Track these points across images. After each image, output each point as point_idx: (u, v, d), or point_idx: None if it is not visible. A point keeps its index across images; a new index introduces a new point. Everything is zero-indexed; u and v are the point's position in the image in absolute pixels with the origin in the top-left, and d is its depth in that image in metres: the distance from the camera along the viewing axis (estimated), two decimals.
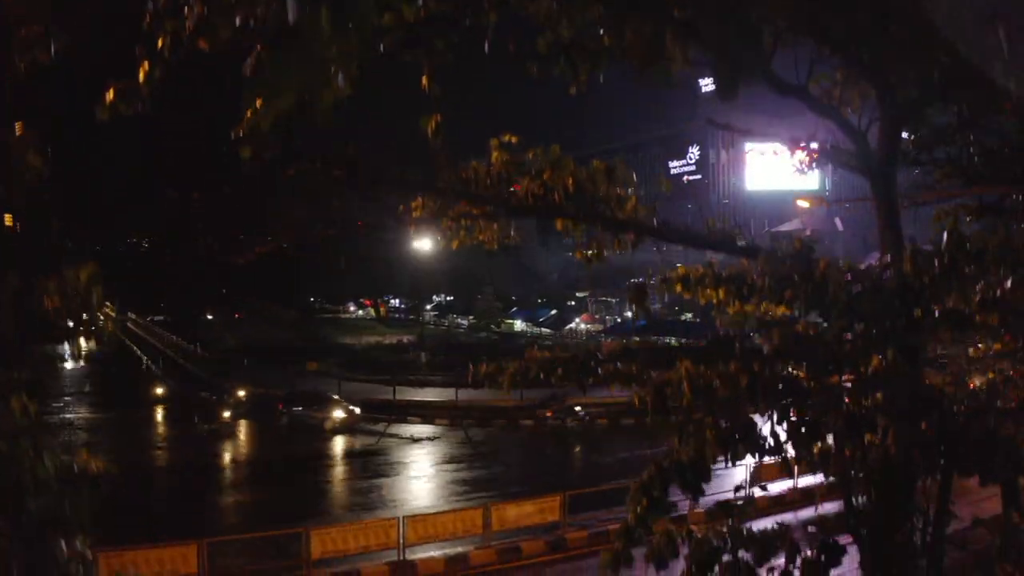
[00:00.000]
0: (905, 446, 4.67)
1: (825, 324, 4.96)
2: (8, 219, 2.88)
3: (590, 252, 5.86)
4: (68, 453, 2.99)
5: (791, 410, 4.73)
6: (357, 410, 32.41)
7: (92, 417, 35.56)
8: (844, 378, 4.94)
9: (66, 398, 40.75)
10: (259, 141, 4.43)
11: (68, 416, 35.05)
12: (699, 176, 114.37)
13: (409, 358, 50.14)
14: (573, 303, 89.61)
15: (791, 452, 4.97)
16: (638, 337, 39.60)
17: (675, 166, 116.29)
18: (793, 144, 6.49)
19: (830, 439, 4.95)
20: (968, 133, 9.19)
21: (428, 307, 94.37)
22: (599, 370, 5.98)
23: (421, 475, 25.19)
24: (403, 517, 16.00)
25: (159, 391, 39.47)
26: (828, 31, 5.17)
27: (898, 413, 4.71)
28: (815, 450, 4.98)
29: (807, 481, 19.12)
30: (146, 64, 3.75)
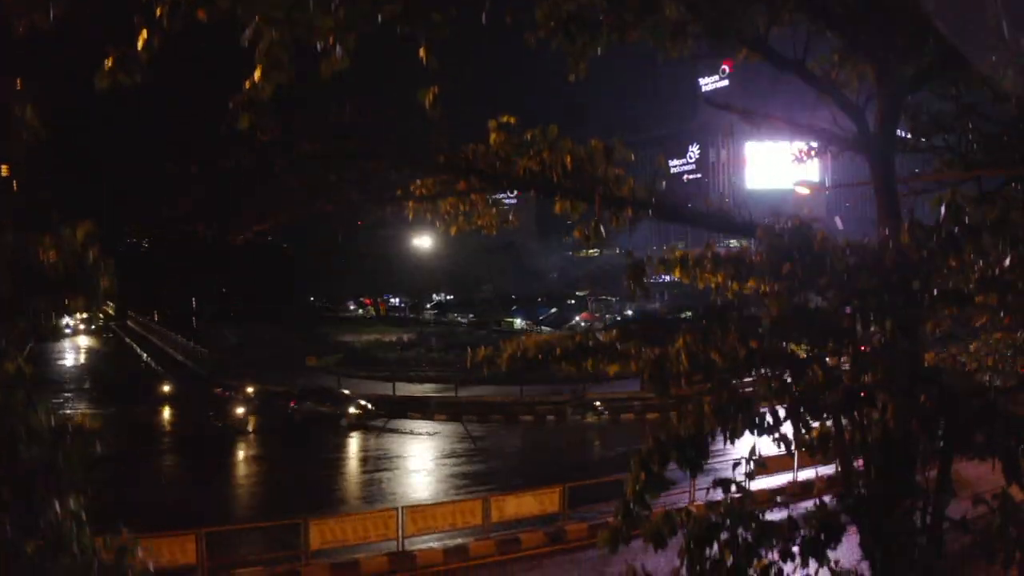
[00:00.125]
0: (904, 419, 4.66)
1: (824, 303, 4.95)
2: (5, 169, 2.89)
3: (591, 225, 5.84)
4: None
5: (790, 386, 4.73)
6: (371, 406, 32.29)
7: (94, 413, 35.50)
8: (843, 360, 4.94)
9: (65, 394, 40.71)
10: (258, 111, 4.44)
11: (69, 412, 35.01)
12: (699, 175, 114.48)
13: (409, 355, 50.15)
14: (573, 302, 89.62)
15: (790, 431, 4.96)
16: None
17: (675, 165, 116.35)
18: (792, 126, 6.48)
19: (829, 424, 4.95)
20: (967, 120, 9.18)
21: (428, 305, 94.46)
22: (597, 352, 5.99)
23: (420, 469, 25.22)
24: (402, 508, 16.02)
25: (165, 388, 39.33)
26: (824, 7, 5.17)
27: (897, 388, 4.70)
28: (814, 433, 4.98)
29: (807, 475, 19.15)
30: (144, 32, 3.75)
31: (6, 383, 2.58)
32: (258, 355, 49.72)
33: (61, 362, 55.45)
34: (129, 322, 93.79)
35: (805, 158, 7.75)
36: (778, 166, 77.70)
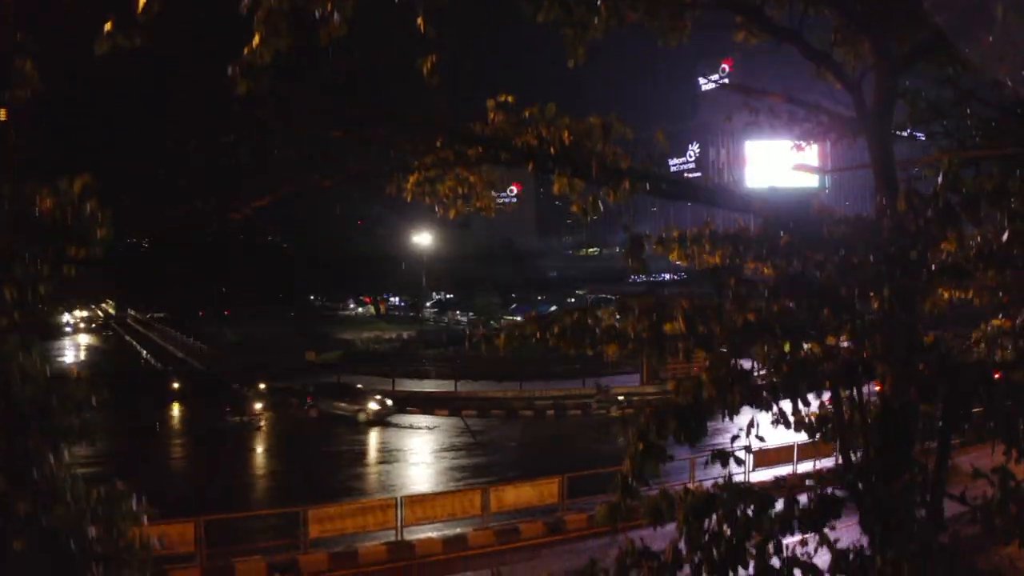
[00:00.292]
0: (903, 389, 4.65)
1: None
2: (3, 114, 2.89)
3: (589, 199, 5.84)
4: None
5: (787, 356, 4.72)
6: (390, 401, 32.22)
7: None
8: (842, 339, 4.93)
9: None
10: (256, 77, 4.45)
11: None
12: (699, 174, 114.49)
13: (409, 351, 50.20)
14: (572, 300, 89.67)
15: (788, 409, 4.95)
16: None
17: (675, 164, 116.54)
18: (791, 103, 6.48)
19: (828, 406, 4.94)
20: (965, 107, 9.19)
21: (428, 304, 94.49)
22: (596, 330, 5.98)
23: (420, 462, 25.22)
24: (401, 497, 16.02)
25: (176, 384, 39.27)
26: None
27: (896, 358, 4.70)
28: (812, 415, 4.97)
29: (806, 468, 19.15)
30: None
31: (1, 327, 2.58)
32: (258, 353, 49.77)
33: (61, 359, 55.44)
34: (129, 320, 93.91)
35: (805, 145, 7.76)
36: (778, 165, 77.69)
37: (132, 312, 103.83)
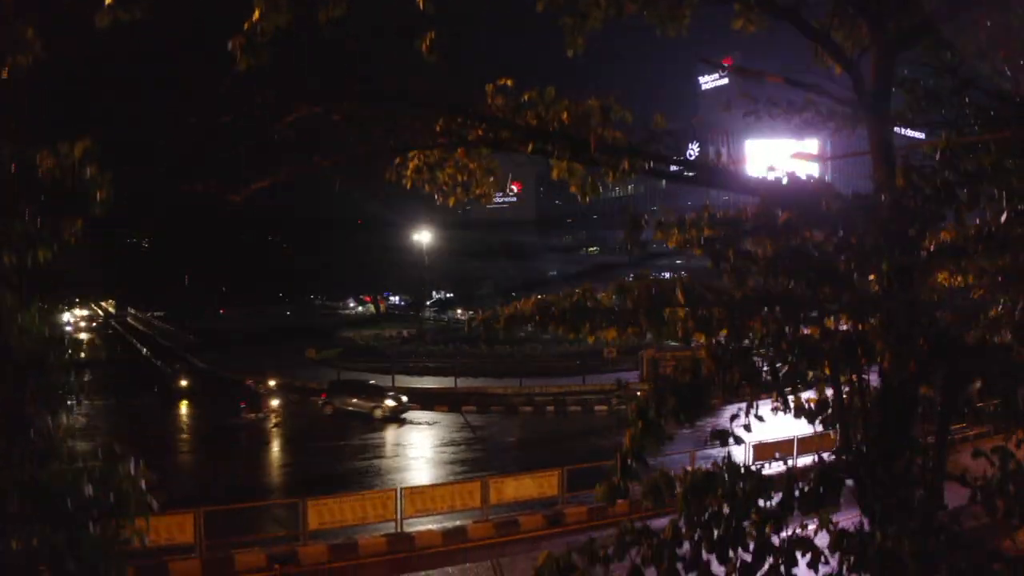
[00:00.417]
0: (902, 364, 4.66)
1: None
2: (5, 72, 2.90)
3: (587, 180, 5.84)
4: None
5: (786, 333, 4.72)
6: (405, 398, 32.27)
7: (110, 405, 35.25)
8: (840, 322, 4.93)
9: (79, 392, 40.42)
10: (257, 54, 4.45)
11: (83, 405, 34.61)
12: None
13: (409, 348, 50.18)
14: None
15: (786, 388, 4.94)
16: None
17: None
18: (790, 84, 6.47)
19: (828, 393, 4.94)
20: (964, 95, 9.18)
21: (428, 303, 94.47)
22: (595, 312, 5.97)
23: (420, 456, 25.21)
24: (401, 489, 16.01)
25: (184, 382, 39.23)
26: None
27: (895, 334, 4.69)
28: (812, 401, 4.97)
29: (805, 462, 19.13)
30: None
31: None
32: (258, 352, 49.78)
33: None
34: (129, 319, 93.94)
35: (803, 135, 7.77)
36: (777, 164, 77.25)
37: (132, 311, 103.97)
